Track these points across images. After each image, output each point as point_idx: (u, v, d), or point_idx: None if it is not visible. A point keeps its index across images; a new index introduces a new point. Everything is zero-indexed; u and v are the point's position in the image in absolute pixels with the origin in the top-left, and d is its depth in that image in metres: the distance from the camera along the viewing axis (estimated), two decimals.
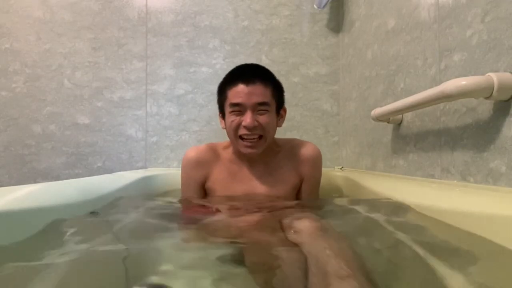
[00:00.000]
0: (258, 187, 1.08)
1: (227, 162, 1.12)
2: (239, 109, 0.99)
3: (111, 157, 1.99)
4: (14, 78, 1.96)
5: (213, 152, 1.13)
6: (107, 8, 2.01)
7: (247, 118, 0.97)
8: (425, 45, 1.05)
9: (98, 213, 0.83)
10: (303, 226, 0.62)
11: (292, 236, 0.60)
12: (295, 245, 0.54)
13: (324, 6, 1.90)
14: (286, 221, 0.67)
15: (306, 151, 1.12)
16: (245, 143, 1.01)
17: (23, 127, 1.97)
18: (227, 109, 1.02)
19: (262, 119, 1.00)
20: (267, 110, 1.00)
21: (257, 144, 1.02)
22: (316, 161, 1.13)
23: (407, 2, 1.18)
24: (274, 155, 1.12)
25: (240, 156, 1.10)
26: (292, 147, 1.13)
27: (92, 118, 1.99)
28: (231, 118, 1.01)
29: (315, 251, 0.50)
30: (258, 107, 0.99)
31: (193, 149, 1.14)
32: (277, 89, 1.05)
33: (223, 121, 1.07)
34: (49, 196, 0.76)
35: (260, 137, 1.01)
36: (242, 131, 1.00)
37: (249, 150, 1.02)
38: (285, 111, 1.12)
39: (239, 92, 0.98)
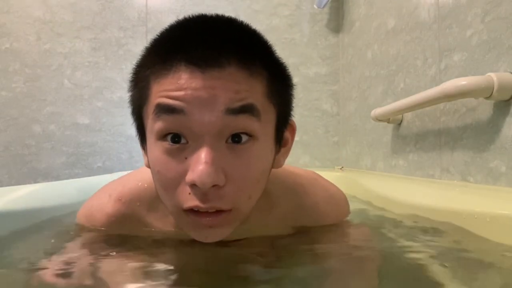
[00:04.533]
0: None
1: (160, 243, 0.51)
2: (179, 126, 0.38)
3: (111, 157, 1.99)
4: (14, 78, 1.96)
5: (131, 223, 0.52)
6: (107, 8, 2.01)
7: (199, 163, 0.36)
8: (425, 45, 1.05)
9: None
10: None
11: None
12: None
13: (324, 6, 1.90)
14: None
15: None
16: (197, 219, 0.39)
17: (23, 127, 1.96)
18: (150, 126, 0.40)
19: (239, 164, 0.39)
20: (251, 136, 0.39)
21: (223, 220, 0.40)
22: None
23: (407, 2, 1.18)
24: (260, 217, 0.51)
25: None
26: (297, 208, 0.54)
27: (92, 118, 1.99)
28: (159, 158, 0.39)
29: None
30: (231, 126, 0.38)
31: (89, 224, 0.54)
32: (278, 79, 0.44)
33: (144, 153, 0.46)
34: (49, 196, 0.76)
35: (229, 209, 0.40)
36: (189, 202, 0.38)
37: (204, 234, 0.41)
38: (293, 129, 0.51)
39: (181, 86, 0.37)
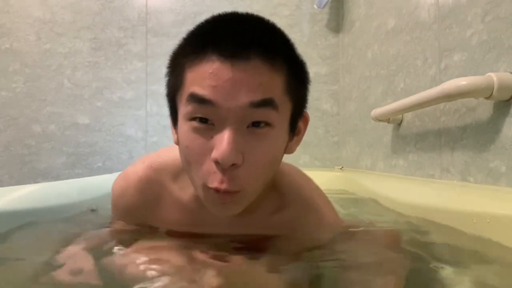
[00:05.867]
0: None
1: (178, 213, 0.58)
2: (207, 113, 0.43)
3: (111, 157, 1.99)
4: (14, 78, 1.96)
5: (156, 186, 0.59)
6: (107, 8, 2.01)
7: (222, 144, 0.42)
8: (425, 45, 1.05)
9: (97, 210, 0.83)
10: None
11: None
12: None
13: (324, 6, 1.90)
14: None
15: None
16: (215, 195, 0.45)
17: (23, 127, 1.97)
18: (182, 109, 0.46)
19: (256, 146, 0.44)
20: (269, 125, 0.44)
21: (235, 199, 0.46)
22: None
23: (407, 2, 1.18)
24: (269, 213, 0.57)
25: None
26: (308, 212, 0.57)
27: (92, 118, 1.99)
28: (188, 135, 0.45)
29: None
30: (252, 116, 0.43)
31: (121, 189, 0.61)
32: (296, 75, 0.49)
33: (175, 131, 0.52)
34: (49, 196, 0.76)
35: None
36: (212, 181, 0.44)
37: (218, 208, 0.47)
38: (307, 119, 0.55)
39: (213, 75, 0.42)
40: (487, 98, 0.73)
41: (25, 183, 0.88)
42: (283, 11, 2.03)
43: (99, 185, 1.02)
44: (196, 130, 0.44)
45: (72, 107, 1.98)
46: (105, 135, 1.99)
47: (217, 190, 0.44)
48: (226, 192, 0.44)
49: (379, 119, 1.25)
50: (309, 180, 0.64)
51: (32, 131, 1.97)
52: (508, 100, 0.72)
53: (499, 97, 0.72)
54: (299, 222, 0.57)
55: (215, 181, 0.44)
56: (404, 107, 1.01)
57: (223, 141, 0.42)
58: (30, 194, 0.73)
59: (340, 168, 1.91)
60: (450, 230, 0.62)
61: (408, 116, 1.17)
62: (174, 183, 0.59)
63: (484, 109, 0.79)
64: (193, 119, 0.44)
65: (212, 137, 0.43)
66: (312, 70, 2.04)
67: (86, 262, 0.47)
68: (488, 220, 0.55)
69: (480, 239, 0.55)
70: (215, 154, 0.42)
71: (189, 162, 0.46)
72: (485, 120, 0.79)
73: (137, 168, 0.61)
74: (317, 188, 0.63)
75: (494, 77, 0.70)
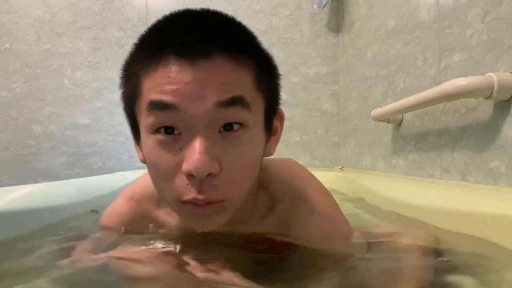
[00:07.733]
0: None
1: (168, 239, 0.53)
2: (171, 121, 0.38)
3: (111, 157, 1.99)
4: (14, 78, 1.96)
5: (142, 217, 0.56)
6: (107, 8, 2.01)
7: (193, 153, 0.37)
8: (425, 45, 1.05)
9: (98, 211, 0.83)
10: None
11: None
12: None
13: (324, 6, 1.90)
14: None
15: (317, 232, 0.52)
16: (193, 209, 0.40)
17: (23, 127, 1.96)
18: (143, 121, 0.41)
19: (232, 151, 0.39)
20: (243, 126, 0.40)
21: (219, 210, 0.41)
22: None
23: (407, 2, 1.18)
24: (262, 217, 0.53)
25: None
26: (297, 204, 0.52)
27: (92, 118, 1.99)
28: (154, 150, 0.40)
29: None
30: (222, 118, 0.39)
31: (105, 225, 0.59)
32: (265, 69, 0.44)
33: (139, 149, 0.46)
34: (49, 196, 0.76)
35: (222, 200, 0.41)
36: (186, 193, 0.39)
37: (200, 223, 0.42)
38: (282, 117, 0.50)
39: (172, 79, 0.37)
40: (487, 98, 0.73)
41: (25, 183, 0.88)
42: (283, 11, 2.03)
43: (99, 185, 1.02)
44: (162, 143, 0.39)
45: (72, 107, 1.98)
46: (105, 135, 1.99)
47: (194, 203, 0.39)
48: (208, 203, 0.39)
49: (379, 119, 1.25)
50: (296, 169, 0.59)
51: (32, 131, 1.97)
52: (508, 100, 0.72)
53: (499, 97, 0.72)
54: (292, 217, 0.52)
55: (190, 192, 0.38)
56: (404, 107, 1.01)
57: (194, 150, 0.37)
58: (30, 194, 0.73)
59: (340, 168, 1.91)
60: (449, 230, 0.62)
61: (408, 116, 1.17)
62: (158, 209, 0.55)
63: (484, 109, 0.79)
64: (157, 131, 0.39)
65: (180, 149, 0.38)
66: (312, 70, 2.04)
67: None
68: (488, 223, 0.55)
69: (479, 239, 0.55)
70: (187, 166, 0.37)
71: (159, 180, 0.40)
72: (485, 120, 0.79)
73: (119, 203, 0.58)
74: (305, 176, 0.57)
75: (494, 77, 0.70)
